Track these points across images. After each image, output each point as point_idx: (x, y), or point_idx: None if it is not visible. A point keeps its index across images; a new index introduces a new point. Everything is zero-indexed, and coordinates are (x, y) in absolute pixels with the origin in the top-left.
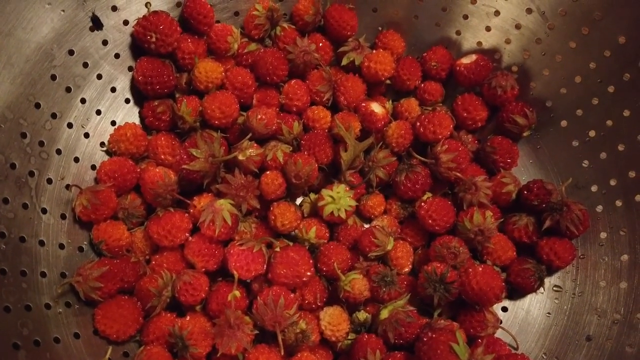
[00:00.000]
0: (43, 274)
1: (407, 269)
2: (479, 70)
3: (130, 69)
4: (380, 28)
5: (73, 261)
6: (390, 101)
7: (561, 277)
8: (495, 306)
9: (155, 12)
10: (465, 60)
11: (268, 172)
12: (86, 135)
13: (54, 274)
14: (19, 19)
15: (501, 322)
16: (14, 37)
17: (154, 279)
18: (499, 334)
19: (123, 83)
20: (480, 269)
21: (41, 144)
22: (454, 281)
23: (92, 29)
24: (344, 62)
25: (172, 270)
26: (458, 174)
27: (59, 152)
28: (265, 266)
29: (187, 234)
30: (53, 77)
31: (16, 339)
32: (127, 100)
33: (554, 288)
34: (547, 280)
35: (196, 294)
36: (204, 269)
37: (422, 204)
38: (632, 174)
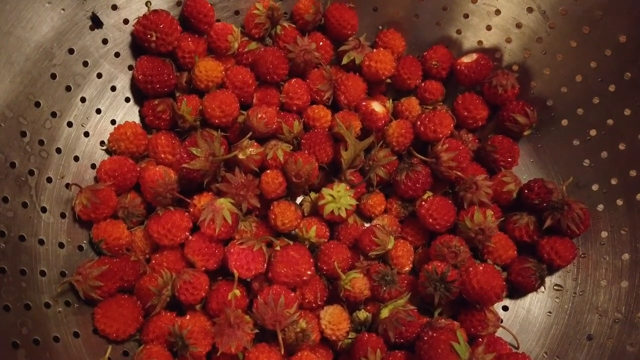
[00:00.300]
0: (43, 273)
1: (407, 268)
2: (479, 69)
3: (130, 67)
4: (380, 27)
5: (73, 260)
6: (391, 100)
7: (562, 276)
8: (496, 305)
9: (155, 11)
10: (466, 59)
11: (268, 171)
12: (86, 134)
13: (53, 273)
14: (18, 17)
15: (502, 321)
16: (13, 35)
17: (153, 278)
18: (499, 333)
19: (123, 82)
20: (481, 268)
21: (41, 142)
22: (455, 280)
23: (92, 28)
24: (345, 61)
25: (172, 269)
26: (459, 173)
27: (58, 150)
28: (265, 265)
29: (187, 233)
30: (53, 76)
31: (15, 338)
32: (127, 99)
33: (555, 287)
34: (548, 279)
35: (196, 293)
36: (204, 268)
37: (423, 203)
38: (633, 173)
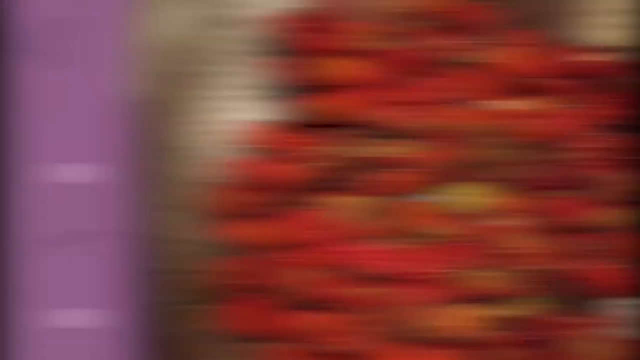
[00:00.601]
0: None
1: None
2: None
3: (271, 65)
4: None
5: None
6: None
7: None
8: None
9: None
10: None
11: None
12: (229, 132)
13: None
14: (161, 15)
15: None
16: (156, 33)
17: None
18: None
19: (265, 80)
20: None
21: (189, 143)
22: None
23: (234, 27)
24: None
25: None
26: None
27: (204, 150)
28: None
29: None
30: (199, 74)
31: None
32: (271, 97)
33: None
34: None
35: None
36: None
37: None
38: None
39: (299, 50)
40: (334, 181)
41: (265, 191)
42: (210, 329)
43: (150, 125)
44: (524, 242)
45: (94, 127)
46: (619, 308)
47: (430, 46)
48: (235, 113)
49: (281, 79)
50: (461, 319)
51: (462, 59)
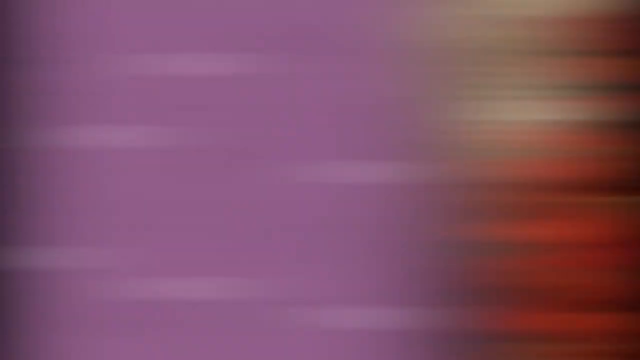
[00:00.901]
0: None
1: None
2: None
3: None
4: None
5: None
6: None
7: None
8: None
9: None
10: None
11: None
12: (520, 133)
13: None
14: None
15: None
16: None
17: None
18: None
19: (569, 80)
20: None
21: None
22: None
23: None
24: None
25: None
26: None
27: (494, 151)
28: None
29: None
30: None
31: None
32: (568, 97)
33: None
34: None
35: None
36: None
37: None
38: None
39: (601, 50)
40: (628, 181)
41: (554, 191)
42: (486, 328)
43: (428, 125)
44: None
45: (367, 126)
46: None
47: None
48: (522, 113)
49: (581, 78)
50: None
51: None
